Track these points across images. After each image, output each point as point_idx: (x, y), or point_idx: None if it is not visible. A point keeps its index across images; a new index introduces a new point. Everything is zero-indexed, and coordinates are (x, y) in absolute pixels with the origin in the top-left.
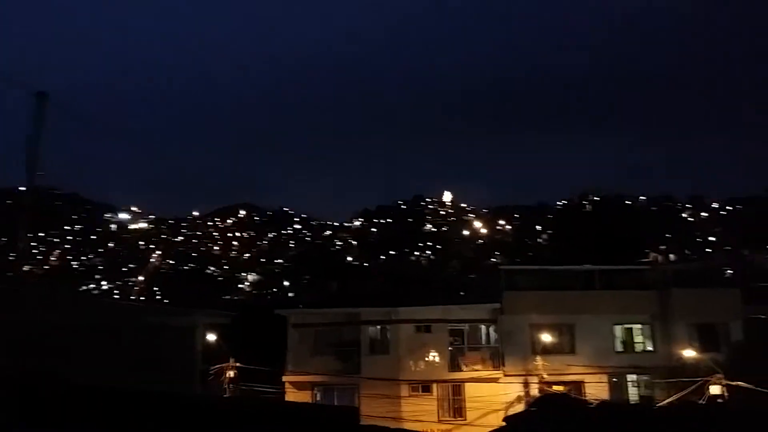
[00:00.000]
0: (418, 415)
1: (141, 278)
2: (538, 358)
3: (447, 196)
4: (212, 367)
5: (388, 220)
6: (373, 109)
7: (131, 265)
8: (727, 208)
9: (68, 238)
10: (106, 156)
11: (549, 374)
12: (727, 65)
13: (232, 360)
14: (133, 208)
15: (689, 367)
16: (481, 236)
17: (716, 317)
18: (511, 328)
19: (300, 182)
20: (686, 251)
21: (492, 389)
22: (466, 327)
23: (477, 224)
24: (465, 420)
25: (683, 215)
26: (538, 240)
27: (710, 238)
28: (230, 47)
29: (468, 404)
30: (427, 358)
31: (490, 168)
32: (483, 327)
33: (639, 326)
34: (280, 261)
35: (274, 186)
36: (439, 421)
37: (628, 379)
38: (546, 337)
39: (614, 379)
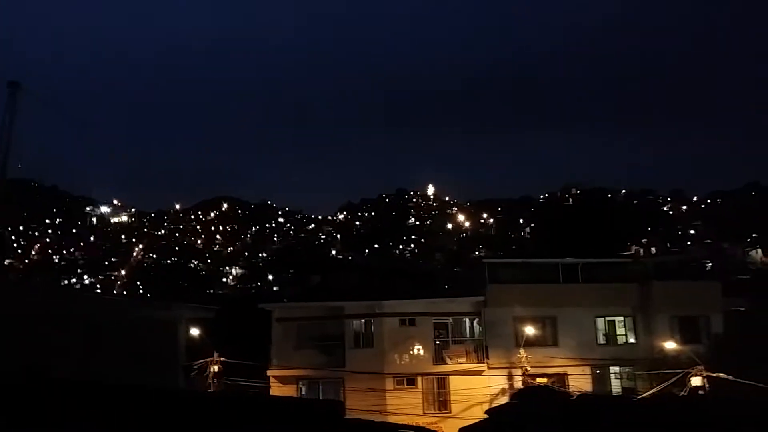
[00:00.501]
0: (403, 408)
1: (123, 272)
2: (522, 350)
3: (430, 190)
4: (196, 362)
5: (372, 213)
6: (354, 101)
7: (113, 259)
8: (708, 201)
9: (49, 231)
10: (87, 149)
11: (532, 366)
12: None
13: (216, 354)
14: (114, 201)
15: (671, 359)
16: (465, 229)
17: (697, 310)
18: (495, 321)
19: (284, 176)
20: (667, 244)
21: (476, 382)
22: (450, 320)
23: (461, 217)
24: (450, 413)
25: (664, 209)
26: (522, 233)
27: (691, 232)
28: (214, 37)
29: (453, 397)
30: (411, 352)
31: (472, 162)
32: (467, 320)
33: (621, 319)
34: (263, 254)
35: (258, 179)
36: (424, 414)
37: (611, 371)
38: (529, 330)
39: (597, 371)
